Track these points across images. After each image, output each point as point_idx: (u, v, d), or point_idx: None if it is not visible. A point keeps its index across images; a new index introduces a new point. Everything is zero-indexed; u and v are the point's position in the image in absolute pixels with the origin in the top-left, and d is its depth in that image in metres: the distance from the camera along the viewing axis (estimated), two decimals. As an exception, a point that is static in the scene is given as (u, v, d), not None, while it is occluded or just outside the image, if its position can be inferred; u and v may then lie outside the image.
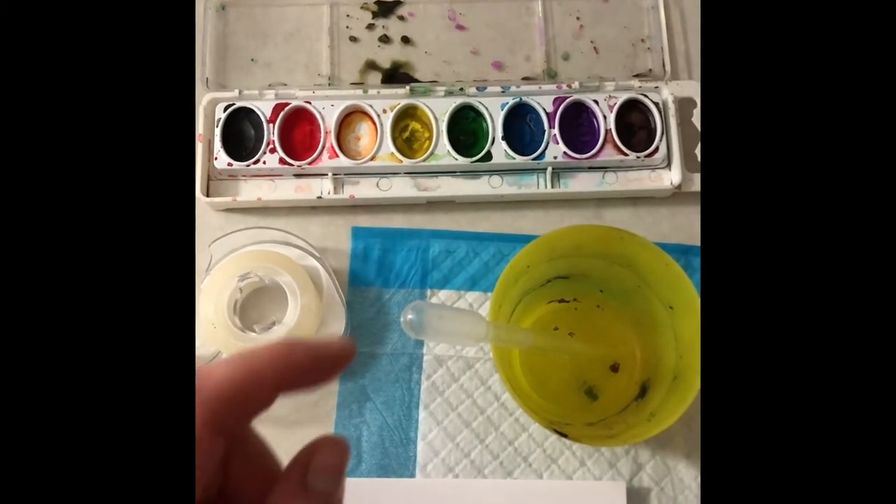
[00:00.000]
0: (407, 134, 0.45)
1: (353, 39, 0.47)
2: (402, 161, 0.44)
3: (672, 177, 0.44)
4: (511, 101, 0.44)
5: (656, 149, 0.44)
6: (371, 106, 0.44)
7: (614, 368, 0.42)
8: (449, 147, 0.44)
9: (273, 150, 0.43)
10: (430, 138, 0.44)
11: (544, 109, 0.44)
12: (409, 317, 0.31)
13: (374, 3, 0.48)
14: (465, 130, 0.45)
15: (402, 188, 0.44)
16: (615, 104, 0.45)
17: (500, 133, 0.44)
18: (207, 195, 0.44)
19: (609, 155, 0.44)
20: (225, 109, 0.44)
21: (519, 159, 0.44)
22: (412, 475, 0.40)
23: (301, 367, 0.20)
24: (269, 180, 0.44)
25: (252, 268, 0.39)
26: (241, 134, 0.44)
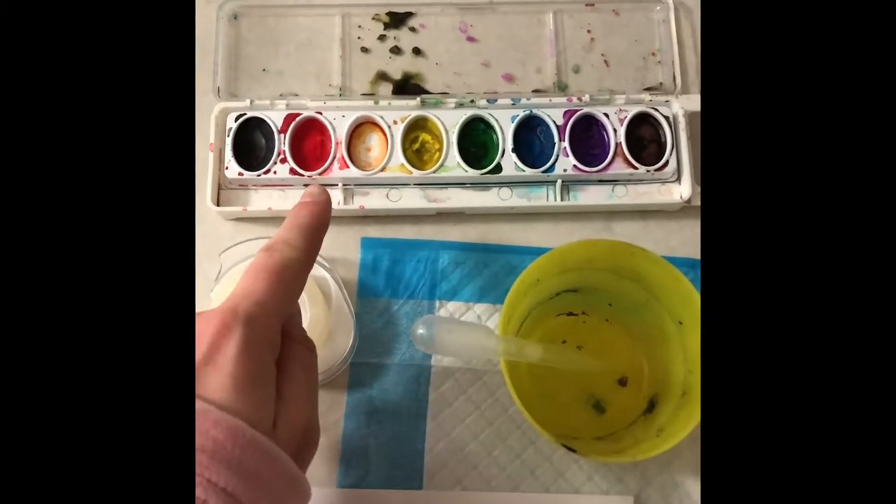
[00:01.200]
0: (417, 145, 0.45)
1: (365, 50, 0.47)
2: (412, 172, 0.44)
3: (682, 191, 0.44)
4: (521, 113, 0.45)
5: (666, 163, 0.44)
6: (382, 117, 0.44)
7: (622, 382, 0.42)
8: (459, 159, 0.44)
9: (284, 160, 0.44)
10: (440, 150, 0.44)
11: (554, 122, 0.44)
12: (420, 331, 0.31)
13: (386, 14, 0.48)
14: (476, 142, 0.45)
15: (411, 199, 0.44)
16: (625, 117, 0.45)
17: (510, 145, 0.44)
18: (218, 204, 0.44)
19: (619, 168, 0.44)
20: (236, 119, 0.44)
21: (529, 172, 0.44)
22: (419, 487, 0.40)
23: (323, 212, 0.34)
24: (280, 190, 0.44)
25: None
26: (252, 143, 0.45)
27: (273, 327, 0.29)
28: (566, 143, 0.44)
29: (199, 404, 0.25)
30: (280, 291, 0.30)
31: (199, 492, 0.24)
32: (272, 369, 0.29)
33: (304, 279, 0.31)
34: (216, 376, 0.26)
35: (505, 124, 0.44)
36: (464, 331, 0.34)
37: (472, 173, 0.44)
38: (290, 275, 0.30)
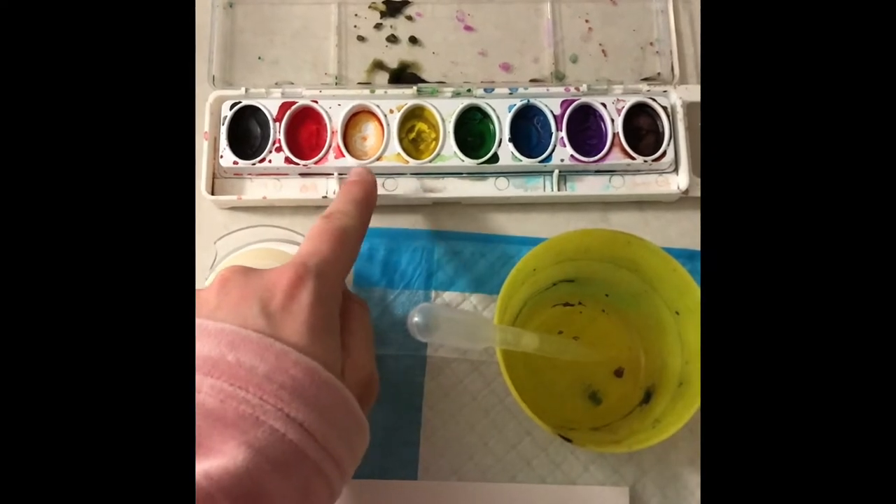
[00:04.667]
0: (413, 135, 0.45)
1: (361, 39, 0.47)
2: (408, 162, 0.43)
3: (679, 181, 0.44)
4: (518, 102, 0.44)
5: (664, 153, 0.44)
6: (378, 106, 0.44)
7: (618, 373, 0.41)
8: (455, 148, 0.44)
9: (279, 149, 0.43)
10: (436, 139, 0.44)
11: (552, 112, 0.44)
12: (416, 319, 0.31)
13: (382, 2, 0.48)
14: (472, 132, 0.45)
15: (407, 189, 0.44)
16: (623, 108, 0.44)
17: (507, 135, 0.44)
18: (212, 193, 0.43)
19: (616, 158, 0.44)
20: (231, 107, 0.44)
21: (526, 162, 0.44)
22: (414, 477, 0.40)
23: (373, 190, 0.37)
24: (275, 179, 0.44)
25: (257, 265, 0.39)
26: (247, 132, 0.44)
27: (337, 283, 0.32)
28: (563, 133, 0.44)
29: (278, 346, 0.27)
30: (342, 252, 0.33)
31: (279, 425, 0.26)
32: (338, 322, 0.31)
33: (359, 246, 0.34)
34: (292, 322, 0.29)
35: (502, 114, 0.44)
36: (460, 319, 0.34)
37: (469, 163, 0.43)
38: (349, 239, 0.33)
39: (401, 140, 0.44)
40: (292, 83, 0.46)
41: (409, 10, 0.48)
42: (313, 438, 0.27)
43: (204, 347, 0.27)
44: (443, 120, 0.44)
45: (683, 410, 0.35)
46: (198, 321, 0.28)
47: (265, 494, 0.26)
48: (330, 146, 0.43)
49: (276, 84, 0.46)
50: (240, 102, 0.44)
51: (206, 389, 0.26)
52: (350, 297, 0.34)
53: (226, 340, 0.27)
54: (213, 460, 0.25)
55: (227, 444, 0.25)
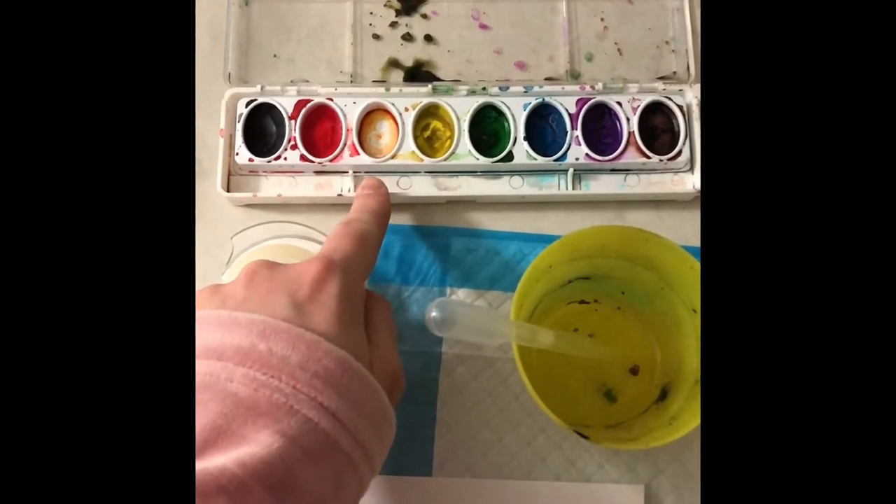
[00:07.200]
0: (428, 133, 0.45)
1: (376, 37, 0.47)
2: (423, 160, 0.44)
3: (695, 180, 0.44)
4: (533, 101, 0.44)
5: (679, 152, 0.44)
6: (393, 104, 0.44)
7: (634, 371, 0.41)
8: (470, 147, 0.44)
9: (294, 147, 0.43)
10: (451, 137, 0.44)
11: (567, 110, 0.44)
12: (434, 314, 0.31)
13: (398, 0, 0.48)
14: (487, 130, 0.45)
15: (422, 187, 0.44)
16: (638, 106, 0.44)
17: (521, 133, 0.44)
18: (228, 190, 0.44)
19: (631, 157, 0.44)
20: (247, 105, 0.44)
21: (540, 160, 0.43)
22: (429, 474, 0.40)
23: (387, 202, 0.38)
24: (290, 177, 0.44)
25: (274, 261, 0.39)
26: (262, 130, 0.44)
27: (361, 280, 0.33)
28: (578, 132, 0.44)
29: (309, 335, 0.27)
30: (363, 252, 0.33)
31: (313, 414, 0.26)
32: (362, 317, 0.32)
33: (377, 250, 0.35)
34: (320, 312, 0.29)
35: (517, 112, 0.44)
36: (477, 314, 0.34)
37: (484, 161, 0.43)
38: (369, 242, 0.34)
39: (416, 138, 0.44)
40: (308, 81, 0.46)
41: (425, 9, 0.48)
42: (346, 429, 0.27)
43: (234, 338, 0.27)
44: (458, 118, 0.44)
45: (700, 408, 0.35)
46: (227, 313, 0.28)
47: (298, 483, 0.26)
48: (345, 144, 0.44)
49: (292, 82, 0.46)
50: (255, 100, 0.44)
51: (239, 378, 0.26)
52: (373, 295, 0.34)
53: (256, 330, 0.27)
54: (246, 448, 0.25)
55: (261, 432, 0.25)
